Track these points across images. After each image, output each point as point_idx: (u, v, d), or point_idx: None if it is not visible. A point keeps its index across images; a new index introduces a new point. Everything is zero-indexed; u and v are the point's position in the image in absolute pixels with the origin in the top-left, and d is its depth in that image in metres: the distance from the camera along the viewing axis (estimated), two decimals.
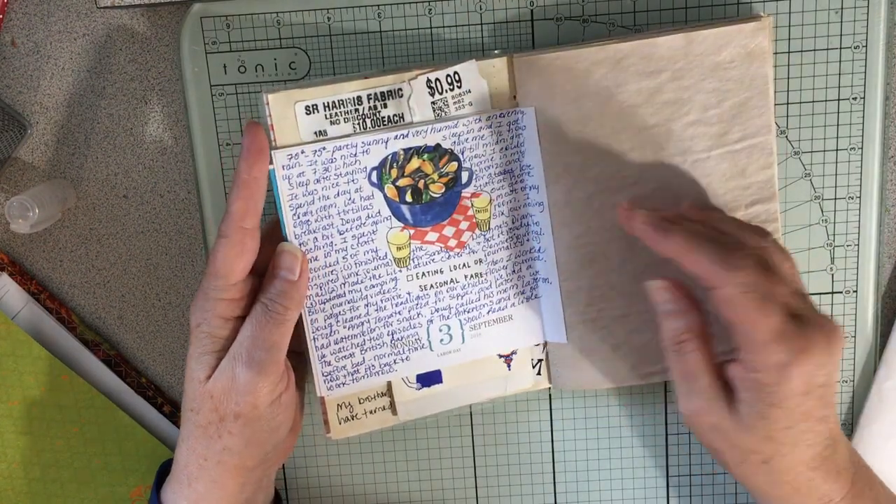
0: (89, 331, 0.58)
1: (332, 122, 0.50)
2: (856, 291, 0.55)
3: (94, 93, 0.55)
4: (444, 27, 0.53)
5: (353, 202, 0.51)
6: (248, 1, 0.52)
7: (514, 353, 0.55)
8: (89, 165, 0.56)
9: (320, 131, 0.50)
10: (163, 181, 0.56)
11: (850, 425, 0.58)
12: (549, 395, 0.58)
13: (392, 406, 0.54)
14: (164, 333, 0.59)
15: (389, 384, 0.54)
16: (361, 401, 0.54)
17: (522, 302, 0.54)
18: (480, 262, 0.53)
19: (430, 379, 0.54)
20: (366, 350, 0.53)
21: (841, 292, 0.56)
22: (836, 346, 0.44)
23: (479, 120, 0.51)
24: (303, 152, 0.50)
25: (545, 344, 0.55)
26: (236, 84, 0.54)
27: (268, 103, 0.49)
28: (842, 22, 0.52)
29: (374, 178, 0.51)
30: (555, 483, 0.60)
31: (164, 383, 0.60)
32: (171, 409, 0.59)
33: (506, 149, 0.52)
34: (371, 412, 0.54)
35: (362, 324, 0.52)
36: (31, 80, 0.55)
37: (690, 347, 0.47)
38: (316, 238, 0.51)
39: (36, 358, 0.57)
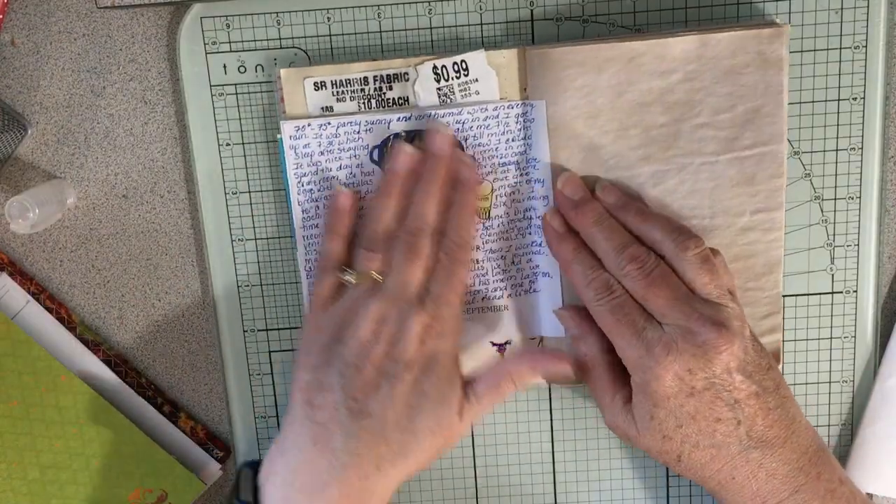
0: (89, 331, 0.58)
1: (338, 100, 0.52)
2: (856, 291, 0.56)
3: (94, 93, 0.55)
4: (444, 27, 0.53)
5: (354, 176, 0.53)
6: (248, 1, 0.52)
7: (507, 342, 0.55)
8: (89, 165, 0.56)
9: (327, 107, 0.52)
10: (163, 181, 0.56)
11: (851, 425, 0.58)
12: (549, 395, 0.58)
13: None
14: (164, 333, 0.59)
15: None
16: None
17: (520, 294, 0.55)
18: (477, 248, 0.54)
19: None
20: None
21: (841, 292, 0.56)
22: (710, 354, 0.46)
23: (486, 109, 0.52)
24: (309, 125, 0.52)
25: (541, 339, 0.55)
26: (236, 84, 0.54)
27: (279, 78, 0.51)
28: (842, 22, 0.52)
29: (375, 155, 0.53)
30: (555, 483, 0.60)
31: (164, 383, 0.60)
32: (172, 409, 0.59)
33: (512, 140, 0.52)
34: None
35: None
36: (31, 80, 0.55)
37: (588, 368, 0.51)
38: (318, 206, 0.53)
39: (35, 358, 0.57)
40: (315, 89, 0.52)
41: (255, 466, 0.50)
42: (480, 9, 0.53)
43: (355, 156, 0.53)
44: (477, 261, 0.54)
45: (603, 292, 0.49)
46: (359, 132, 0.52)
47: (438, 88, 0.52)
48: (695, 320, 0.47)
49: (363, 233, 0.51)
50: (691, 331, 0.47)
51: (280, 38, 0.53)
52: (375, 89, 0.52)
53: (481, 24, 0.53)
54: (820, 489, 0.49)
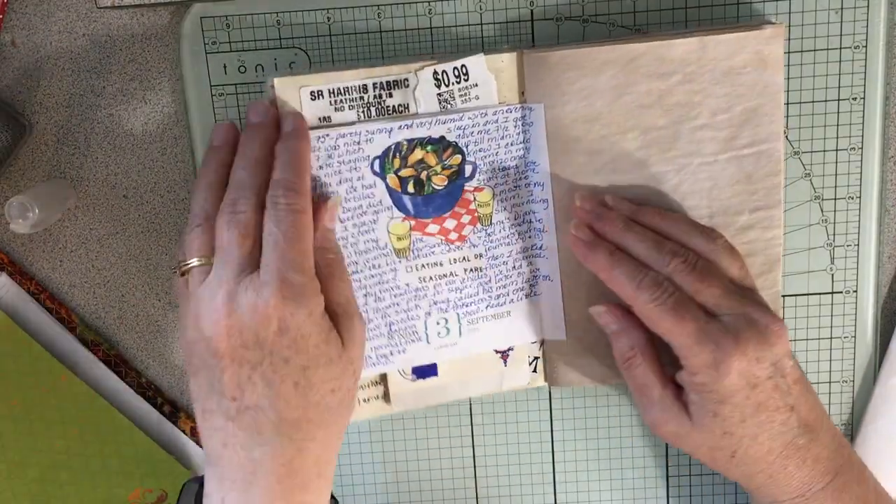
0: (89, 331, 0.58)
1: (336, 109, 0.50)
2: (856, 291, 0.56)
3: (94, 93, 0.55)
4: (444, 27, 0.53)
5: (354, 190, 0.51)
6: (248, 1, 0.52)
7: (510, 349, 0.55)
8: (89, 165, 0.56)
9: (324, 117, 0.49)
10: (163, 181, 0.56)
11: (851, 425, 0.58)
12: (549, 395, 0.58)
13: (386, 396, 0.54)
14: (164, 333, 0.59)
15: (385, 374, 0.54)
16: None
17: (521, 299, 0.54)
18: (480, 256, 0.53)
19: (425, 371, 0.54)
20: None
21: (841, 292, 0.56)
22: (773, 339, 0.46)
23: (486, 114, 0.51)
24: None
25: (542, 342, 0.55)
26: (236, 84, 0.54)
27: (273, 87, 0.49)
28: (842, 22, 0.52)
29: (376, 166, 0.51)
30: (555, 483, 0.60)
31: (164, 383, 0.60)
32: (171, 409, 0.59)
33: (511, 144, 0.52)
34: (365, 401, 0.54)
35: (364, 323, 0.52)
36: (31, 80, 0.55)
37: (637, 362, 0.50)
38: None
39: (36, 358, 0.57)
40: (312, 99, 0.49)
41: (201, 480, 0.48)
42: (480, 9, 0.53)
43: (356, 168, 0.50)
44: (480, 269, 0.54)
45: (658, 291, 0.47)
46: (359, 143, 0.50)
47: (439, 94, 0.50)
48: (749, 307, 0.46)
49: None
50: (751, 318, 0.46)
51: (280, 38, 0.53)
52: (375, 97, 0.50)
53: (481, 24, 0.53)
54: (854, 471, 0.49)
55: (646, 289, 0.47)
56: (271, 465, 0.44)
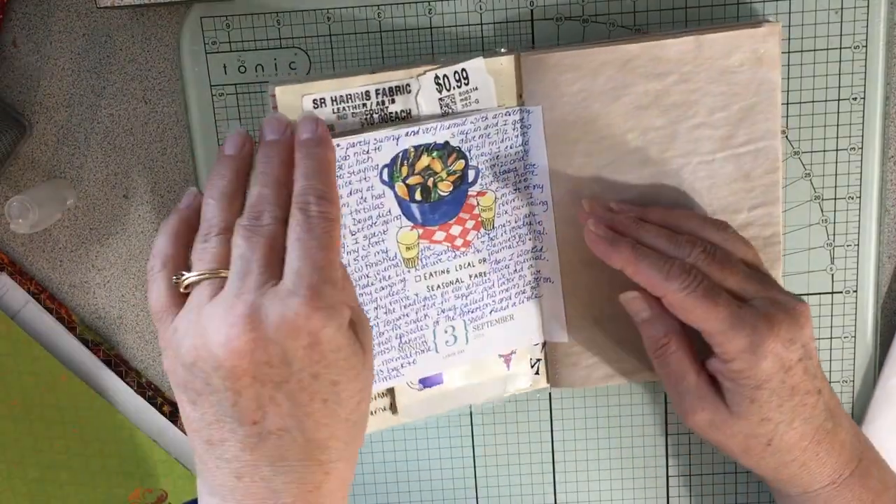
0: (89, 331, 0.58)
1: (339, 117, 0.49)
2: (856, 291, 0.56)
3: (94, 93, 0.55)
4: (444, 27, 0.53)
5: (364, 201, 0.50)
6: (248, 1, 0.52)
7: (513, 352, 0.55)
8: (89, 165, 0.56)
9: (327, 126, 0.48)
10: (163, 181, 0.56)
11: None
12: (549, 395, 0.58)
13: (392, 406, 0.54)
14: None
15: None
16: None
17: (523, 301, 0.54)
18: (484, 261, 0.53)
19: (431, 380, 0.54)
20: (375, 355, 0.52)
21: (841, 292, 0.56)
22: (801, 320, 0.46)
23: (486, 118, 0.51)
24: None
25: (544, 344, 0.55)
26: (236, 84, 0.54)
27: (274, 96, 0.47)
28: (842, 22, 0.52)
29: (385, 175, 0.50)
30: (555, 483, 0.60)
31: (164, 384, 0.60)
32: (171, 409, 0.59)
33: (510, 147, 0.52)
34: (371, 413, 0.54)
35: (372, 328, 0.51)
36: (31, 80, 0.55)
37: (672, 349, 0.49)
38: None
39: (36, 358, 0.57)
40: (314, 107, 0.48)
41: None
42: (480, 9, 0.53)
43: (365, 178, 0.49)
44: (484, 273, 0.53)
45: (688, 279, 0.46)
46: (367, 151, 0.49)
47: (440, 99, 0.50)
48: (773, 290, 0.46)
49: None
50: (778, 301, 0.46)
51: (280, 38, 0.53)
52: (378, 103, 0.49)
53: (481, 23, 0.53)
54: (872, 455, 0.49)
55: (675, 277, 0.46)
56: (297, 494, 0.40)
